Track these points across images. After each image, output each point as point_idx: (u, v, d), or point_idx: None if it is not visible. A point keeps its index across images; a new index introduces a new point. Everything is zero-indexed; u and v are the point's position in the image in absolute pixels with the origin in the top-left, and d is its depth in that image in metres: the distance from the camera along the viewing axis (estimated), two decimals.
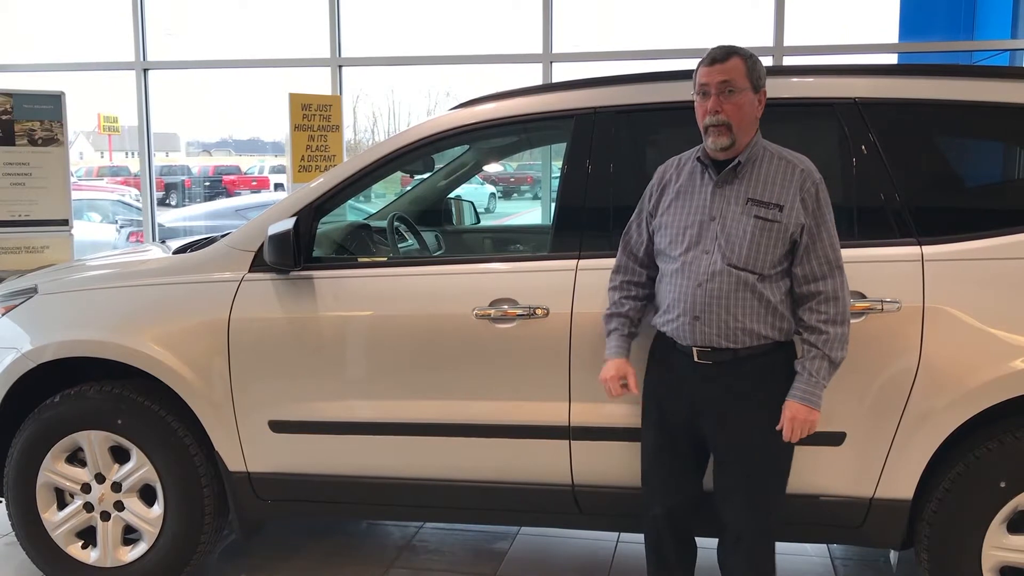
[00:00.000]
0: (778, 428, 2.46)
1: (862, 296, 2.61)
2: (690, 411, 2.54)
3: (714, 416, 2.51)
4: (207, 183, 20.36)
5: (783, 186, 2.43)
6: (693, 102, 2.50)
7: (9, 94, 5.96)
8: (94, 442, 3.14)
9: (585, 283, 2.81)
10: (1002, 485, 2.56)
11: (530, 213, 16.92)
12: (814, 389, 2.42)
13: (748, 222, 2.43)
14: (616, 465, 2.82)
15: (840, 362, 2.45)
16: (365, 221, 3.94)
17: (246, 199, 15.66)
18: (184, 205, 17.48)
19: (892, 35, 8.26)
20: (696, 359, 2.49)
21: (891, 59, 7.61)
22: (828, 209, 2.46)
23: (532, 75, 7.31)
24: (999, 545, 2.60)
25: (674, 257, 2.52)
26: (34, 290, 3.31)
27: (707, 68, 2.45)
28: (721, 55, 2.44)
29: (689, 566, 2.73)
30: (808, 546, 3.61)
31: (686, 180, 2.56)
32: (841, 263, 2.45)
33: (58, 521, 3.23)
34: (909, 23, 8.36)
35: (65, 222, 6.13)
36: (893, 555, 2.97)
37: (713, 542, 2.67)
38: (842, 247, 2.48)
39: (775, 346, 2.49)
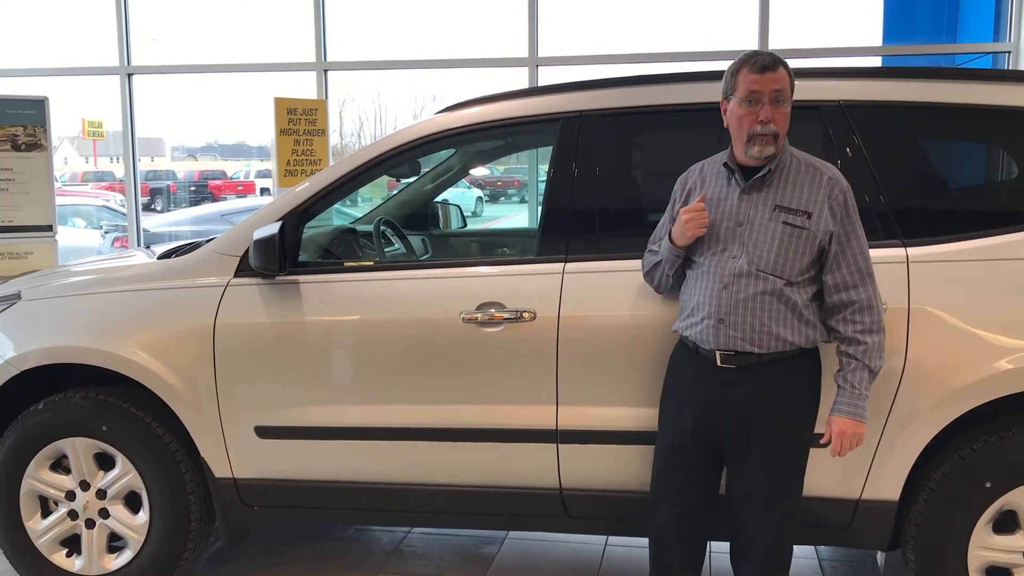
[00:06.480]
0: (823, 442, 2.47)
1: None
2: (710, 416, 2.52)
3: (735, 421, 2.49)
4: (192, 188, 20.34)
5: (811, 193, 2.42)
6: (679, 105, 2.49)
7: None
8: (79, 449, 3.11)
9: (572, 286, 2.80)
10: (988, 485, 2.57)
11: (517, 216, 16.93)
12: (859, 402, 2.42)
13: (776, 228, 2.42)
14: (604, 468, 2.82)
15: (879, 371, 2.44)
16: (351, 225, 3.93)
17: (232, 204, 15.64)
18: (169, 210, 17.43)
19: (876, 38, 8.30)
20: (719, 363, 2.47)
21: (875, 62, 7.66)
22: (857, 216, 2.45)
23: (518, 79, 7.32)
24: (985, 545, 2.62)
25: (700, 262, 2.52)
26: (17, 296, 3.29)
27: (759, 75, 2.39)
28: (771, 63, 2.39)
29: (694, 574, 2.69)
30: (796, 547, 3.60)
31: (712, 186, 2.55)
32: (872, 271, 2.45)
33: (42, 529, 3.20)
34: (893, 26, 8.40)
35: (49, 228, 6.10)
36: (880, 556, 2.98)
37: (719, 547, 2.64)
38: None
39: (800, 352, 2.47)
